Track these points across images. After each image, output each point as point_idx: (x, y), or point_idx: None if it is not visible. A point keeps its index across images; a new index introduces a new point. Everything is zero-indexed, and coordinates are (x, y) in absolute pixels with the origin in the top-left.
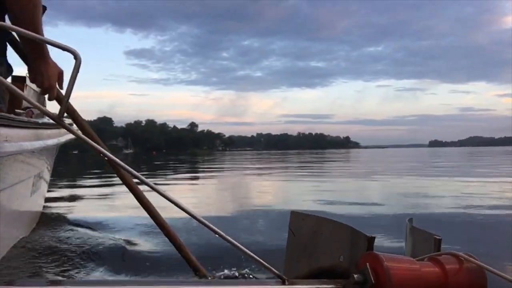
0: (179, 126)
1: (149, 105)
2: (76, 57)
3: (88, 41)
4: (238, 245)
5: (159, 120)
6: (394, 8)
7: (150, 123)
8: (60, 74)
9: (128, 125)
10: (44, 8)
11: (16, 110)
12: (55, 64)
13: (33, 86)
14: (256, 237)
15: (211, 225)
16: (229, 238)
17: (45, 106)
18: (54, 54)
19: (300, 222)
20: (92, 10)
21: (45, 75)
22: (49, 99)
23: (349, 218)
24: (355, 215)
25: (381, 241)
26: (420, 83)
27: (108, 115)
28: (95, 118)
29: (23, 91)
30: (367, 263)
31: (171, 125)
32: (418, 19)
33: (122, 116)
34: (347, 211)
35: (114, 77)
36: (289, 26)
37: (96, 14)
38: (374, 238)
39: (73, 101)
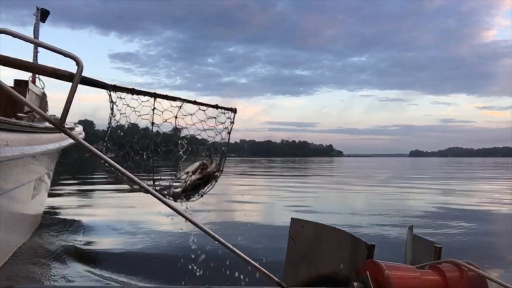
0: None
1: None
2: (78, 63)
3: (71, 43)
4: (238, 251)
5: (142, 124)
6: (379, 19)
7: (133, 126)
8: None
9: (110, 128)
10: (47, 13)
11: (18, 114)
12: None
13: (36, 90)
14: None
15: (211, 232)
16: (229, 245)
17: (47, 110)
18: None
19: (300, 229)
20: (76, 11)
21: None
22: None
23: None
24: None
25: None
26: (403, 93)
27: (91, 118)
28: (76, 121)
29: (25, 95)
30: (368, 271)
31: (154, 129)
32: (402, 30)
33: (105, 119)
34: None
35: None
36: (275, 33)
37: (80, 16)
38: (374, 246)
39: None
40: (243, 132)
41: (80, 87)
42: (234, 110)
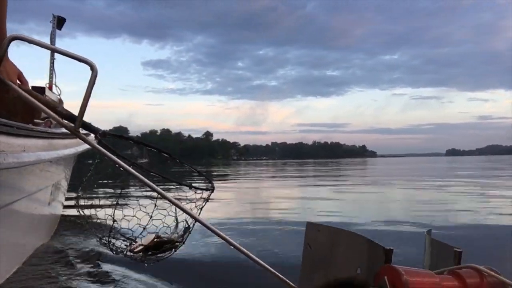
0: (194, 136)
1: (164, 115)
2: (93, 69)
3: (106, 52)
4: (253, 256)
5: (174, 129)
6: (410, 16)
7: (165, 132)
8: (20, 74)
9: (144, 134)
10: (64, 20)
11: (35, 120)
12: (13, 63)
13: (53, 96)
14: None
15: (225, 236)
16: (244, 249)
17: None
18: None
19: (316, 233)
20: (109, 21)
21: (3, 71)
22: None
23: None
24: None
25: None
26: (437, 91)
27: (125, 125)
28: (111, 127)
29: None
30: (386, 276)
31: (186, 134)
32: (434, 26)
33: (138, 125)
34: None
35: (131, 87)
36: (304, 35)
37: (114, 25)
38: (392, 250)
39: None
40: (274, 134)
41: (108, 94)
42: (211, 189)
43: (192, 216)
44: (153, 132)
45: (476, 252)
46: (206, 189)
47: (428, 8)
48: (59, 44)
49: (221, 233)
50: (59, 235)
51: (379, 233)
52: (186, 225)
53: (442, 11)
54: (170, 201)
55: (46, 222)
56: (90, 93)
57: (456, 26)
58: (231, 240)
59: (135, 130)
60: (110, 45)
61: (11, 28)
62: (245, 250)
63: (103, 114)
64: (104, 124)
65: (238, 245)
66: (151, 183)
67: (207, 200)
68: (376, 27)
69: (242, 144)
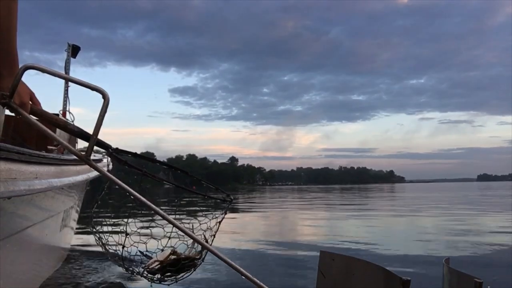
0: (220, 161)
1: (190, 141)
2: (105, 97)
3: (134, 80)
4: (262, 284)
5: (200, 155)
6: (437, 40)
7: (191, 157)
8: (32, 94)
9: (170, 159)
10: (78, 48)
11: (48, 147)
12: (24, 83)
13: None
14: None
15: (236, 265)
16: (256, 280)
17: (77, 143)
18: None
19: (330, 262)
20: (139, 50)
21: (17, 96)
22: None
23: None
24: None
25: None
26: (466, 115)
27: (153, 150)
28: (139, 153)
29: (55, 128)
30: None
31: (211, 159)
32: (462, 49)
33: (165, 151)
34: None
35: (159, 114)
36: (329, 60)
37: (142, 54)
38: (409, 281)
39: (112, 136)
40: (299, 160)
41: (137, 120)
42: (229, 201)
43: (202, 245)
44: (179, 158)
45: (497, 283)
46: (224, 200)
47: (456, 31)
48: (90, 71)
49: (228, 260)
50: (71, 260)
51: (397, 258)
52: (204, 241)
53: (470, 34)
54: (179, 227)
55: (57, 248)
56: (102, 120)
57: (484, 50)
58: (240, 269)
59: (161, 155)
60: (139, 73)
61: (47, 58)
62: (256, 280)
63: (132, 140)
64: (133, 149)
65: (248, 274)
66: (161, 211)
67: (225, 212)
68: (403, 52)
69: (267, 169)
